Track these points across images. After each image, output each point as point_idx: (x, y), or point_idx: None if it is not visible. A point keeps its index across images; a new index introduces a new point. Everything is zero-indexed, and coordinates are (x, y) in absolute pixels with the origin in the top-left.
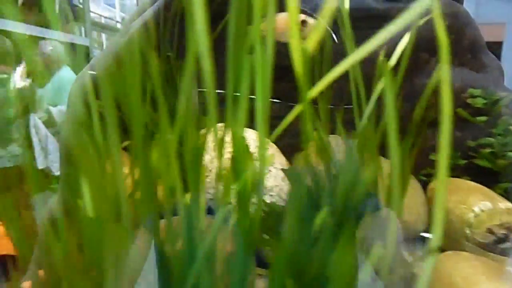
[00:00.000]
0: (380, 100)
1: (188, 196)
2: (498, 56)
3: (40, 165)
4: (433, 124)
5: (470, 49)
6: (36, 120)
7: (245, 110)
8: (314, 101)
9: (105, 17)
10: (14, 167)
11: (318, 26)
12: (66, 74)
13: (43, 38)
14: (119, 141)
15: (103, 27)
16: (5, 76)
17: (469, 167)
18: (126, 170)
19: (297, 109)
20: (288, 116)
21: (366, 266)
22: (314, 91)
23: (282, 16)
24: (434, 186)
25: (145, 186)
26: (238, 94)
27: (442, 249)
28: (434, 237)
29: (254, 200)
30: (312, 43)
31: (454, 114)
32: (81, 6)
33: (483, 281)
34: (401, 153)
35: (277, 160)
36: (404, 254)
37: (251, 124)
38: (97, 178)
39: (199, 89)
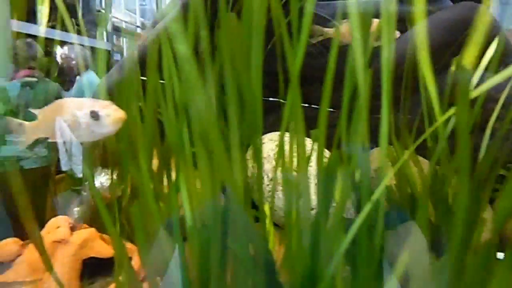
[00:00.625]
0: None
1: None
2: None
3: (64, 167)
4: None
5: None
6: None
7: (365, 122)
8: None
9: (126, 22)
10: (40, 168)
11: (475, 40)
12: (90, 78)
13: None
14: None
15: (124, 32)
16: (34, 79)
17: None
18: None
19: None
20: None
21: (392, 280)
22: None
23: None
24: None
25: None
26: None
27: None
28: None
29: None
30: (470, 58)
31: None
32: (103, 11)
33: None
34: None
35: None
36: None
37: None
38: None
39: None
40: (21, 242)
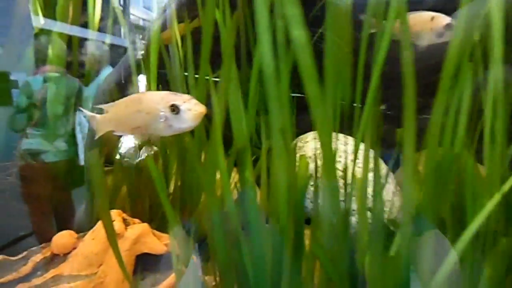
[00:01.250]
0: None
1: None
2: None
3: (82, 161)
4: None
5: None
6: (81, 117)
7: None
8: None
9: (143, 19)
10: (59, 161)
11: None
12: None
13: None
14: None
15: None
16: (57, 75)
17: None
18: None
19: None
20: None
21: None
22: None
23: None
24: None
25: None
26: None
27: None
28: None
29: None
30: None
31: None
32: (121, 8)
33: None
34: None
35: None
36: None
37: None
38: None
39: None
40: (76, 235)
